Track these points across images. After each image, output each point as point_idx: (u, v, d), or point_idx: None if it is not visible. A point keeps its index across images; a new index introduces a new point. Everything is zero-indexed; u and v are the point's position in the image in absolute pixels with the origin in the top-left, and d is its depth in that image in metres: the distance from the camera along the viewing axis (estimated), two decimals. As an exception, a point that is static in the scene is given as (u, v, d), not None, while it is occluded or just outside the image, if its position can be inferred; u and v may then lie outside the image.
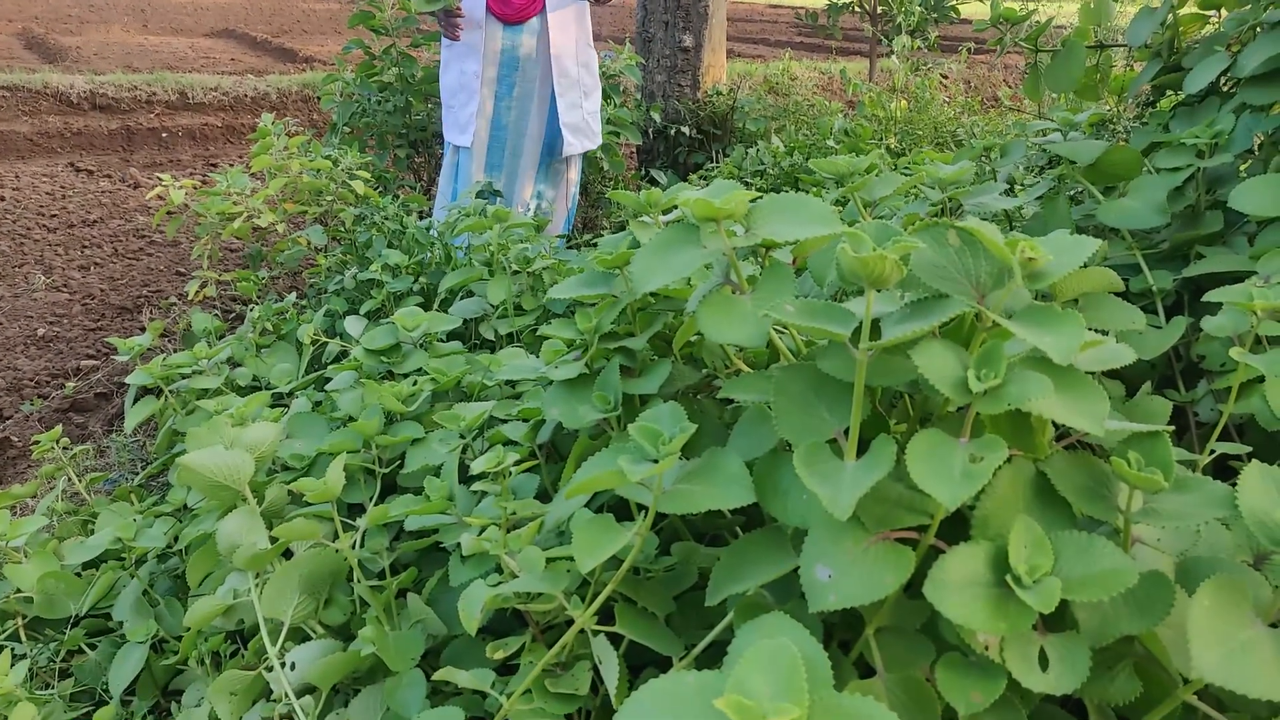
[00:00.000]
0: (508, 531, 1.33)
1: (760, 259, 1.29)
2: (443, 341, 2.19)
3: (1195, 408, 1.75)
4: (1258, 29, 1.95)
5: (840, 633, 1.10)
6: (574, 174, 3.98)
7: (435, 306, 2.59)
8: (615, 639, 1.21)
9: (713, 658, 1.20)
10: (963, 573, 0.90)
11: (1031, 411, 0.86)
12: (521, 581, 1.17)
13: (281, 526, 1.45)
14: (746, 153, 4.43)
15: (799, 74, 7.94)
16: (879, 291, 0.94)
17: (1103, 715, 1.04)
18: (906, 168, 3.28)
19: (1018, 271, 0.87)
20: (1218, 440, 1.47)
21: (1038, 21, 2.32)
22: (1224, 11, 2.12)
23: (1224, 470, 1.64)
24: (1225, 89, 2.09)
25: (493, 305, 2.31)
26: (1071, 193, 2.24)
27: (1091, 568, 0.91)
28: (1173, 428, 0.98)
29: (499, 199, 3.62)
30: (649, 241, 1.19)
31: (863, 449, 0.99)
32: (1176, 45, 2.21)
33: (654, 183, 4.94)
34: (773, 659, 0.79)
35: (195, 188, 3.19)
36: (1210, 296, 1.36)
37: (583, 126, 3.81)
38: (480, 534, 1.30)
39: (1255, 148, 1.97)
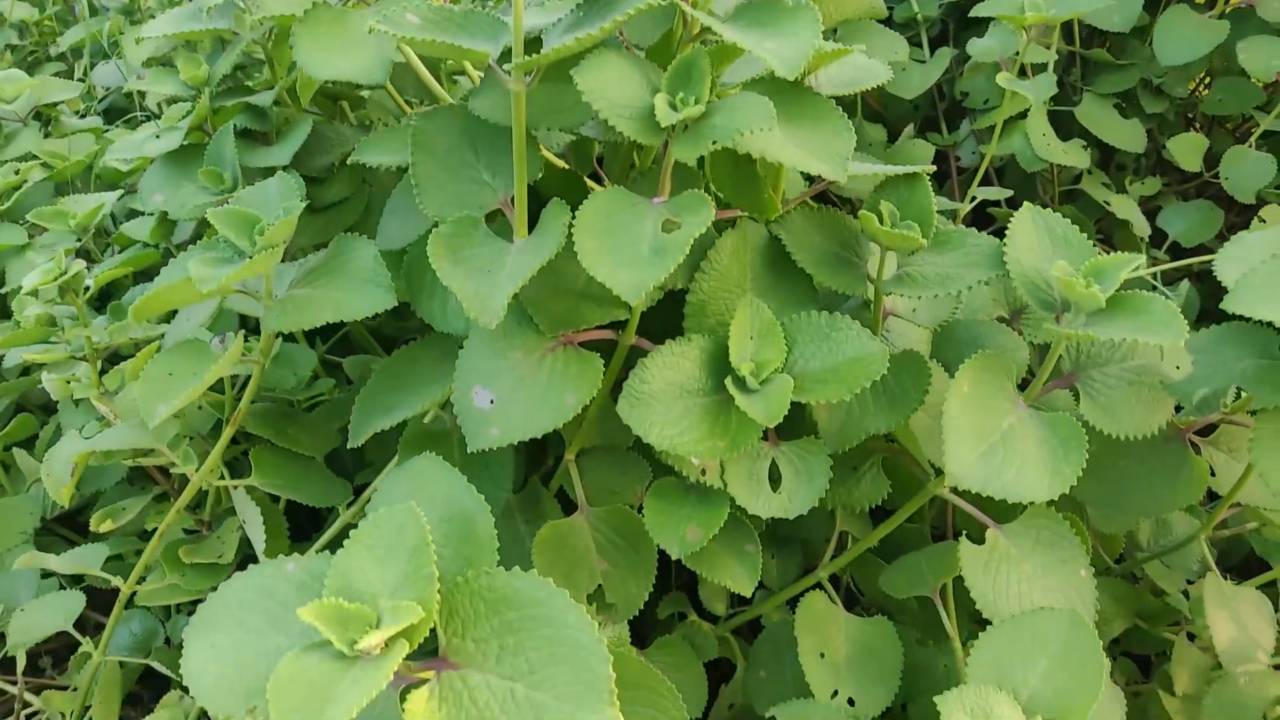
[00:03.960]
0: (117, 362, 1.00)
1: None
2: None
3: (957, 151, 1.60)
4: None
5: (536, 454, 0.88)
6: None
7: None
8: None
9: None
10: (670, 380, 0.68)
11: (749, 152, 0.61)
12: (114, 435, 0.86)
13: None
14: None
15: None
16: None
17: (850, 517, 0.89)
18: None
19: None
20: (979, 185, 1.33)
21: None
22: None
23: (983, 219, 1.53)
24: None
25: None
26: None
27: (834, 356, 0.70)
28: (933, 168, 0.77)
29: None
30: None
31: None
32: None
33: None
34: (396, 536, 0.54)
35: None
36: (978, 10, 1.15)
37: None
38: (68, 376, 0.96)
39: None
